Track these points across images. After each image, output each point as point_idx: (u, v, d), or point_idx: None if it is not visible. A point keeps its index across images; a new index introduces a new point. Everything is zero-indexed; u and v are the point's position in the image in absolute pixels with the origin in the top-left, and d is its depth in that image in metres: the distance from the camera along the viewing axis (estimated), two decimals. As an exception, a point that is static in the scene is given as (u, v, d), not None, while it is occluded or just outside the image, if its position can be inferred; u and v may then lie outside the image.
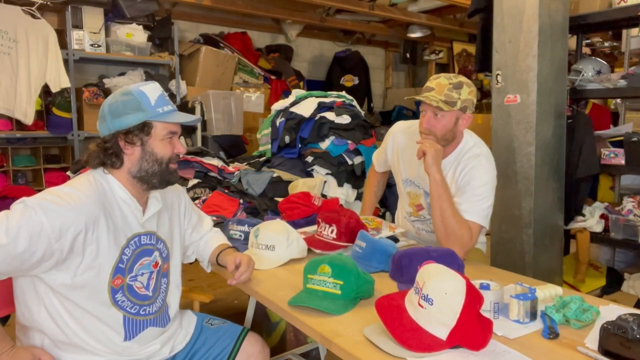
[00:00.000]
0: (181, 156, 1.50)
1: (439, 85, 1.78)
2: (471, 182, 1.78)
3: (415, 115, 6.32)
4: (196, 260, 1.78)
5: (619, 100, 4.15)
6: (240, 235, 1.94)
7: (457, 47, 7.08)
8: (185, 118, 1.45)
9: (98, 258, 1.31)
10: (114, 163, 1.38)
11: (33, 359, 1.28)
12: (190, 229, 1.71)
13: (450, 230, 1.75)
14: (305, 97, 3.08)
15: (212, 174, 2.76)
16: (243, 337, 1.64)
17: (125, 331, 1.39)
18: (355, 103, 3.15)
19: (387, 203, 2.87)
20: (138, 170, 1.39)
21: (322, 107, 2.97)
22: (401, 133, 2.10)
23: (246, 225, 1.94)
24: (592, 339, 1.18)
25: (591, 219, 3.08)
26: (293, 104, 3.05)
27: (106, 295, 1.34)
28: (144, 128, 1.37)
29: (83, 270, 1.29)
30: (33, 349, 1.32)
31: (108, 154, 1.37)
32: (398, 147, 2.09)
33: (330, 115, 2.92)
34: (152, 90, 1.40)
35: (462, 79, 1.81)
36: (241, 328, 1.68)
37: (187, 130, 4.31)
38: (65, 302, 1.31)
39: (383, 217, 2.81)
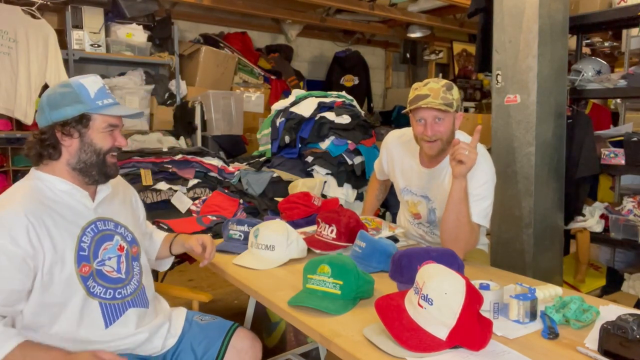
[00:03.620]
0: (121, 149, 1.50)
1: (432, 90, 1.73)
2: (469, 182, 1.76)
3: (415, 115, 6.31)
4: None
5: (619, 100, 4.15)
6: (240, 235, 1.94)
7: (457, 47, 7.08)
8: (126, 111, 1.47)
9: (57, 251, 1.32)
10: (51, 155, 1.38)
11: (94, 358, 1.29)
12: (144, 222, 1.75)
13: (462, 235, 1.73)
14: (305, 97, 3.08)
15: (212, 174, 2.76)
16: (232, 333, 1.63)
17: (105, 319, 1.39)
18: (355, 103, 3.16)
19: (387, 203, 2.86)
20: (77, 162, 1.40)
21: (322, 107, 2.98)
22: (394, 144, 2.08)
23: (246, 225, 1.94)
24: (592, 339, 1.18)
25: (591, 219, 3.08)
26: (293, 104, 3.05)
27: (78, 283, 1.35)
28: (82, 120, 1.38)
29: (48, 267, 1.30)
30: (92, 350, 1.32)
31: (45, 145, 1.38)
32: (392, 157, 2.08)
33: (330, 115, 2.92)
34: (92, 83, 1.40)
35: (447, 81, 1.80)
36: (230, 323, 1.68)
37: (187, 131, 4.31)
38: (38, 323, 1.32)
39: (383, 217, 2.81)
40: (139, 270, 1.53)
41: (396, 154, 2.06)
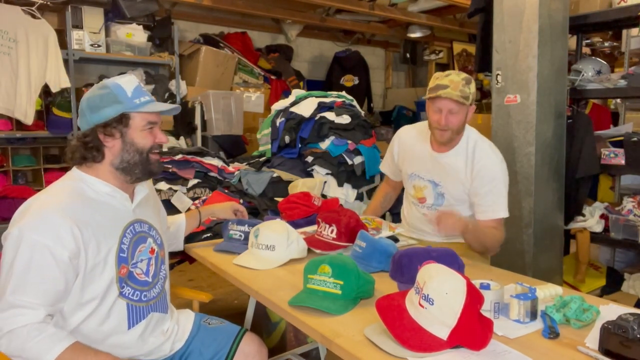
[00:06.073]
0: (164, 148, 1.53)
1: (452, 82, 1.82)
2: (491, 182, 1.89)
3: (415, 115, 6.32)
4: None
5: (619, 100, 4.15)
6: (240, 235, 1.94)
7: (457, 47, 7.07)
8: (163, 107, 1.45)
9: (100, 252, 1.33)
10: (95, 157, 1.39)
11: None
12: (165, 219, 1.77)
13: (491, 247, 1.95)
14: (305, 97, 3.08)
15: (212, 174, 2.75)
16: (240, 337, 1.65)
17: (129, 320, 1.40)
18: (355, 103, 3.15)
19: (387, 203, 2.87)
20: (120, 162, 1.41)
21: (322, 107, 2.97)
22: (407, 133, 2.19)
23: (246, 225, 1.94)
24: (592, 339, 1.18)
25: (591, 219, 3.08)
26: (293, 104, 3.05)
27: (115, 284, 1.36)
28: (122, 120, 1.38)
29: (91, 267, 1.32)
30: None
31: (89, 148, 1.39)
32: (405, 144, 2.16)
33: (330, 115, 2.92)
34: (129, 82, 1.41)
35: (466, 74, 1.88)
36: (239, 328, 1.69)
37: (187, 131, 4.31)
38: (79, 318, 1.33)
39: (383, 217, 2.81)
40: (164, 275, 1.55)
41: (409, 141, 2.15)
